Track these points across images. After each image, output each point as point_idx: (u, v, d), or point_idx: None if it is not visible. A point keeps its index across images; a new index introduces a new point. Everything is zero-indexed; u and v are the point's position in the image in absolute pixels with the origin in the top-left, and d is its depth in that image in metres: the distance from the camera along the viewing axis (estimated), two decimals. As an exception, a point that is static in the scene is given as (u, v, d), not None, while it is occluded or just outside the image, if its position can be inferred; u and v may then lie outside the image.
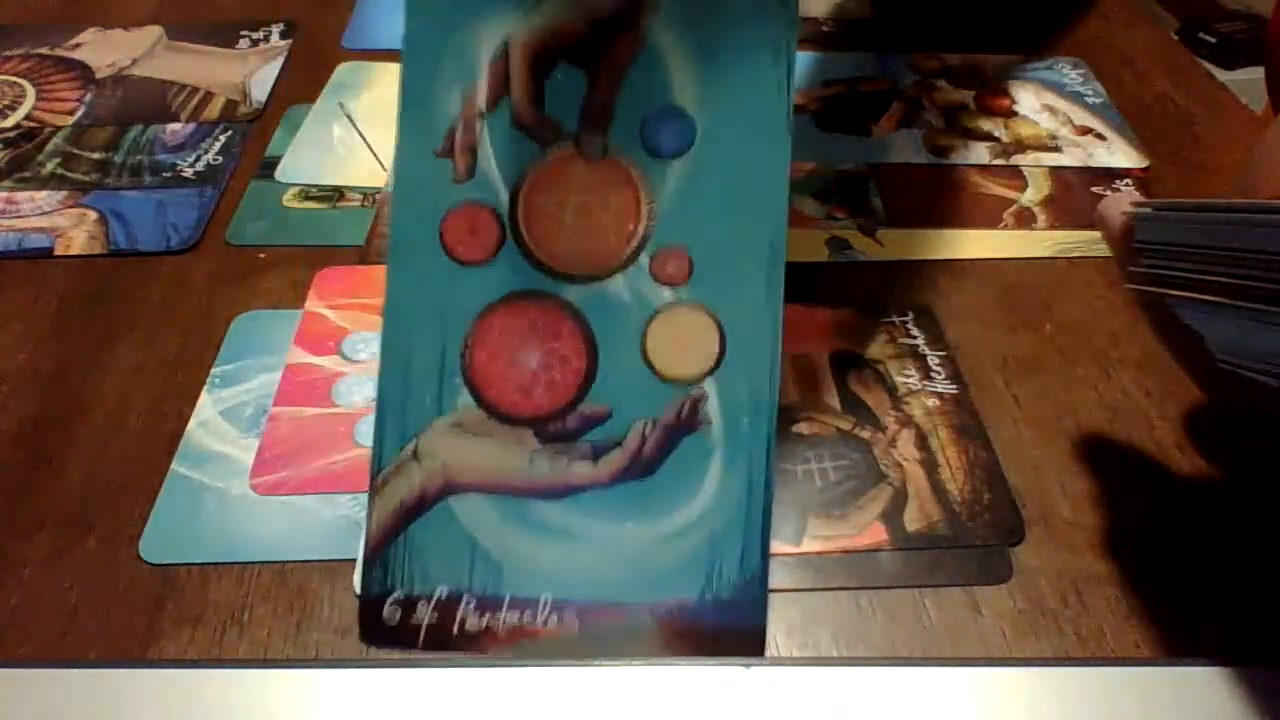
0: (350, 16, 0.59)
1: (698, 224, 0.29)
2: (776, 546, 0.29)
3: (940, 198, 0.46)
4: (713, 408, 0.29)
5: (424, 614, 0.28)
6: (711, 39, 0.29)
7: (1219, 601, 0.30)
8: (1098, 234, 0.29)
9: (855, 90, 0.53)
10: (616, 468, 0.29)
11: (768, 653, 0.29)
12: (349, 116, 0.50)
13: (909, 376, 0.37)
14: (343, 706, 0.27)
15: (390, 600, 0.28)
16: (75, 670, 0.28)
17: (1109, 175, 0.48)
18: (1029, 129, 0.51)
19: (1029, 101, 0.53)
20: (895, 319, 0.39)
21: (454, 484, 0.29)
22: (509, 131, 0.29)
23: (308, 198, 0.45)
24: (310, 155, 0.48)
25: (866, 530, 0.32)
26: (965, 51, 0.56)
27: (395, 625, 0.28)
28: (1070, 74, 0.55)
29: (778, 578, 0.29)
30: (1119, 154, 0.49)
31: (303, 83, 0.53)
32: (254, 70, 0.54)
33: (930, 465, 0.34)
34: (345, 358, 0.37)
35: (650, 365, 0.29)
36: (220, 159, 0.48)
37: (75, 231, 0.43)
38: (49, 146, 0.48)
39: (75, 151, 0.48)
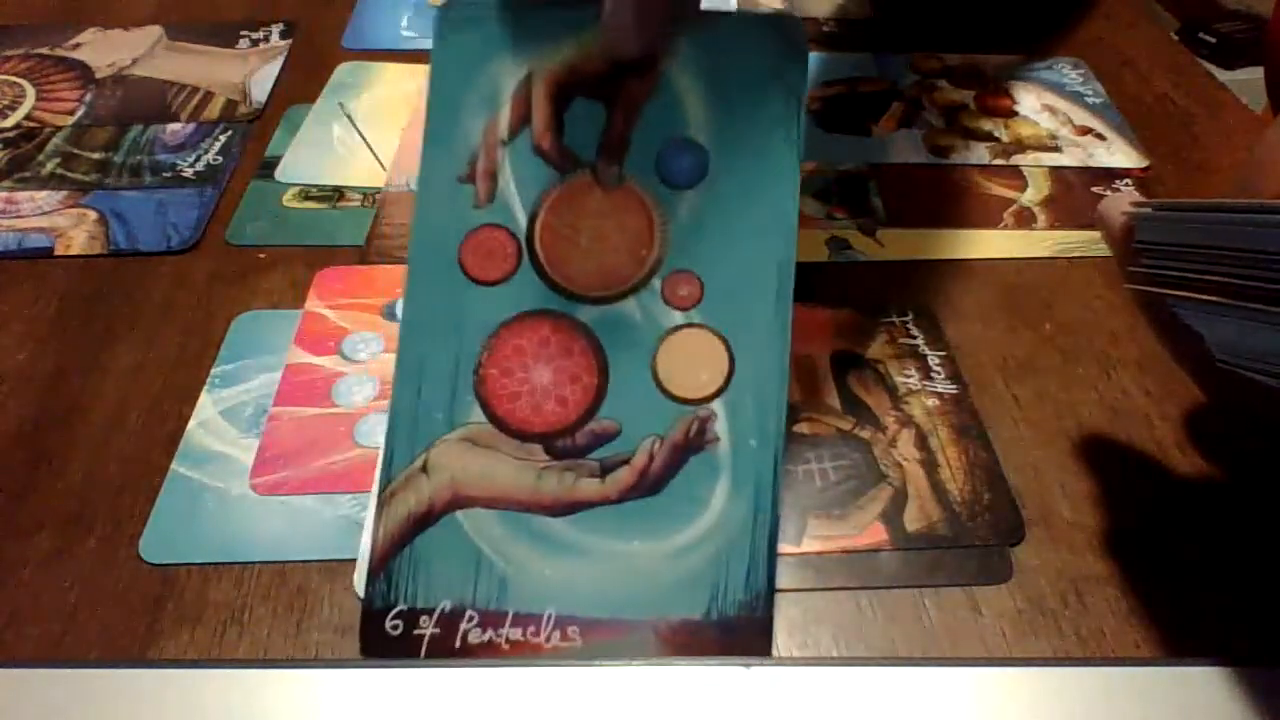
0: (350, 16, 0.59)
1: (709, 251, 0.30)
2: (777, 547, 0.29)
3: (940, 198, 0.46)
4: (721, 427, 0.29)
5: (426, 628, 0.28)
6: (726, 78, 0.30)
7: (1219, 601, 0.30)
8: (1098, 234, 0.30)
9: (855, 90, 0.53)
10: (624, 485, 0.29)
11: (768, 653, 0.29)
12: (349, 116, 0.50)
13: (909, 376, 0.37)
14: (343, 706, 0.27)
15: (393, 613, 0.28)
16: (75, 670, 0.28)
17: (1109, 175, 0.48)
18: (1029, 129, 0.51)
19: (1029, 101, 0.53)
20: (895, 319, 0.39)
21: (462, 498, 0.29)
22: (529, 159, 0.30)
23: (308, 198, 0.45)
24: (310, 155, 0.48)
25: (866, 530, 0.32)
26: (965, 51, 0.56)
27: (397, 638, 0.28)
28: (1070, 74, 0.55)
29: (778, 578, 0.29)
30: (1119, 154, 0.49)
31: (303, 83, 0.53)
32: (254, 70, 0.54)
33: (930, 465, 0.34)
34: (345, 358, 0.37)
35: (660, 385, 0.29)
36: (220, 159, 0.48)
37: (75, 231, 0.43)
38: (49, 146, 0.48)
39: (75, 151, 0.48)
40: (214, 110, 0.51)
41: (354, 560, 0.30)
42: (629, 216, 0.30)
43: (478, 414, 0.29)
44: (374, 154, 0.48)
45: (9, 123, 0.50)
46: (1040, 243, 0.44)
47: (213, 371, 0.37)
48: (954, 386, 0.37)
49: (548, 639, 0.28)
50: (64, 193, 0.45)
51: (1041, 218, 0.45)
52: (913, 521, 0.32)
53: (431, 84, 0.30)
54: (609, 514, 0.29)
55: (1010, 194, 0.47)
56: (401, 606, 0.28)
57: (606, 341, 0.30)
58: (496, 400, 0.29)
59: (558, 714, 0.27)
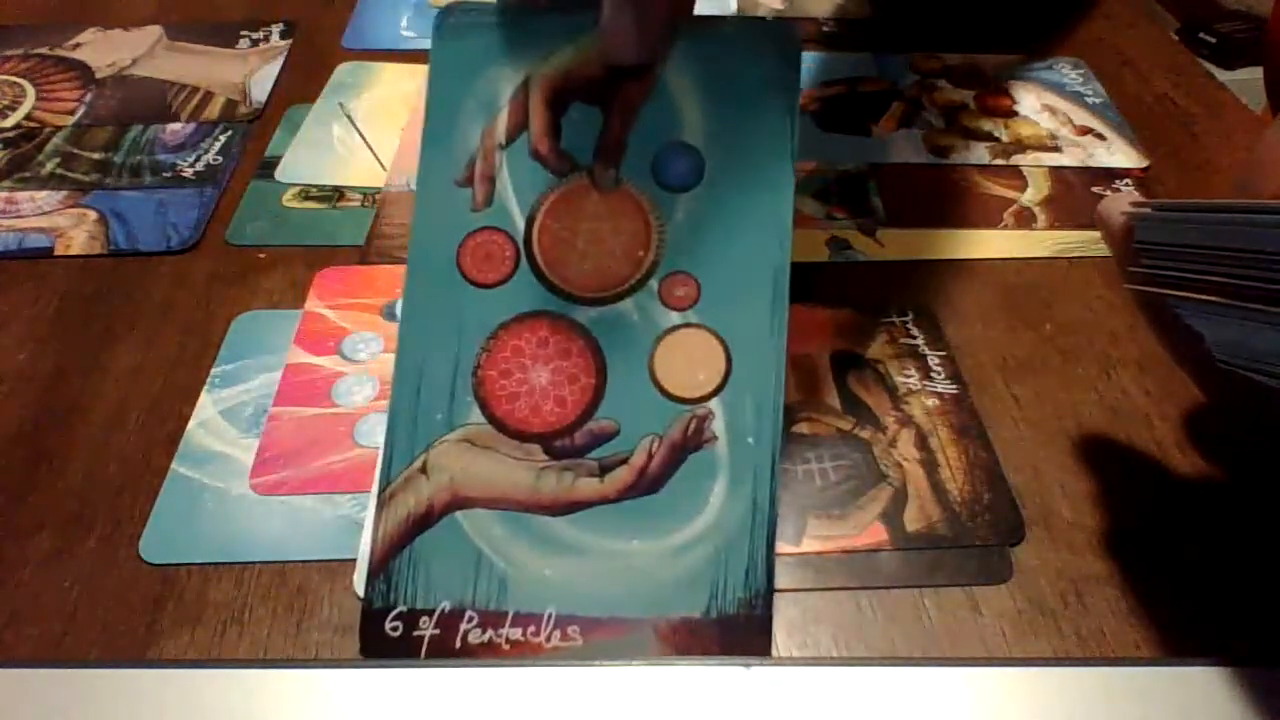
0: (350, 16, 0.59)
1: (706, 252, 0.30)
2: (777, 546, 0.29)
3: (940, 198, 0.46)
4: (719, 426, 0.29)
5: (426, 629, 0.28)
6: (721, 82, 0.30)
7: (1219, 601, 0.30)
8: (1098, 234, 0.30)
9: (855, 90, 0.53)
10: (623, 484, 0.29)
11: (768, 653, 0.29)
12: (349, 116, 0.50)
13: (909, 376, 0.37)
14: (343, 706, 0.27)
15: (393, 614, 0.28)
16: (75, 670, 0.28)
17: (1109, 175, 0.48)
18: (1029, 129, 0.51)
19: (1029, 101, 0.53)
20: (895, 319, 0.39)
21: (461, 498, 0.29)
22: (526, 163, 0.30)
23: (308, 198, 0.45)
24: (310, 155, 0.48)
25: (866, 530, 0.32)
26: (965, 51, 0.56)
27: (397, 639, 0.28)
28: (1070, 74, 0.55)
29: (778, 578, 0.29)
30: (1119, 154, 0.49)
31: (303, 83, 0.53)
32: (254, 70, 0.54)
33: (930, 465, 0.34)
34: (345, 358, 0.37)
35: (658, 384, 0.30)
36: (220, 159, 0.48)
37: (75, 231, 0.43)
38: (49, 146, 0.48)
39: (75, 151, 0.48)
40: (214, 110, 0.51)
41: (354, 560, 0.30)
42: (626, 219, 0.30)
43: (477, 415, 0.29)
44: (374, 154, 0.48)
45: (9, 123, 0.50)
46: (1040, 243, 0.44)
47: (213, 371, 0.37)
48: (954, 386, 0.37)
49: (548, 639, 0.28)
50: (64, 193, 0.45)
51: (1041, 218, 0.45)
52: (913, 521, 0.32)
53: (430, 89, 0.30)
54: (608, 513, 0.29)
55: (1010, 194, 0.47)
56: (401, 607, 0.28)
57: (604, 342, 0.30)
58: (495, 401, 0.29)
59: (558, 714, 0.27)
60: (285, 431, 0.34)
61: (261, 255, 0.42)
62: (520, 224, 0.30)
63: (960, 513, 0.32)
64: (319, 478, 0.33)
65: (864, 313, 0.40)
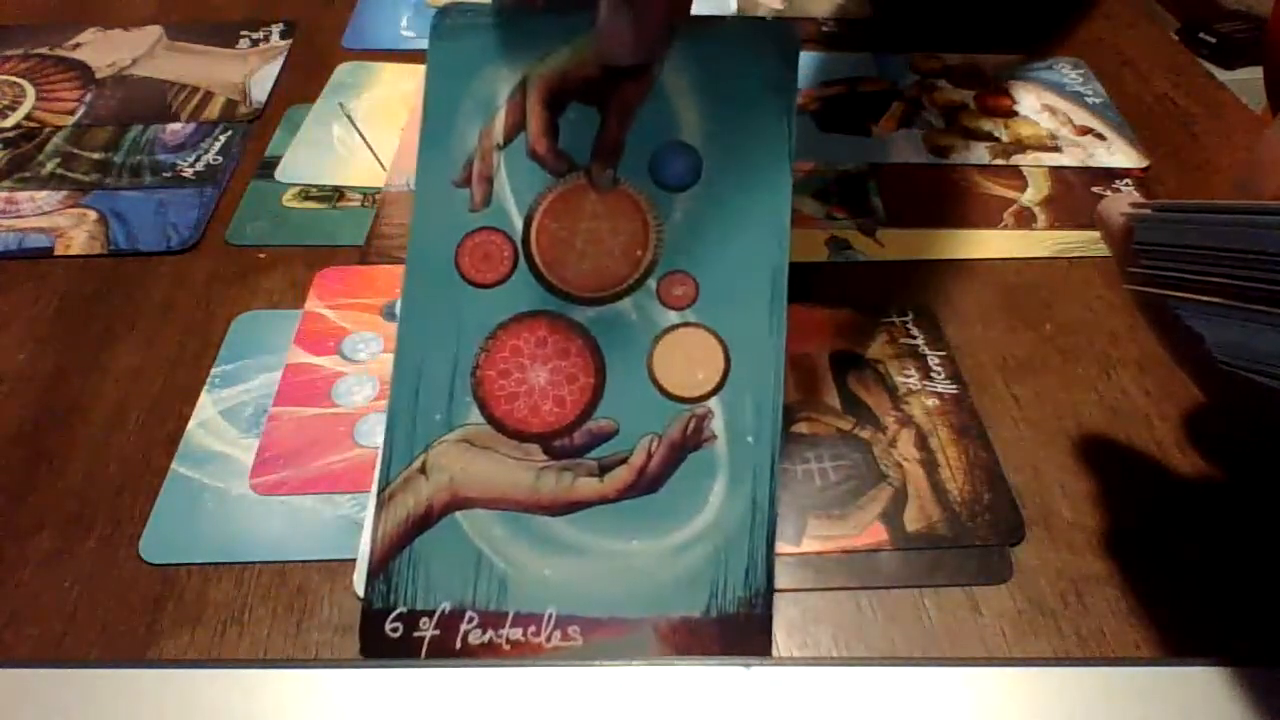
0: (350, 16, 0.59)
1: (704, 251, 0.30)
2: (776, 547, 0.29)
3: (940, 198, 0.46)
4: (718, 425, 0.29)
5: (426, 629, 0.28)
6: (718, 82, 0.30)
7: (1219, 601, 0.30)
8: (1098, 234, 0.30)
9: (855, 90, 0.53)
10: (622, 484, 0.29)
11: (768, 653, 0.29)
12: (349, 116, 0.50)
13: (909, 376, 0.37)
14: (343, 706, 0.27)
15: (393, 615, 0.28)
16: (75, 670, 0.28)
17: (1109, 175, 0.48)
18: (1029, 129, 0.51)
19: (1029, 101, 0.53)
20: (895, 319, 0.39)
21: (461, 499, 0.29)
22: (524, 163, 0.30)
23: (308, 198, 0.45)
24: (310, 155, 0.48)
25: (866, 530, 0.32)
26: (965, 51, 0.56)
27: (397, 640, 0.28)
28: (1070, 74, 0.55)
29: (778, 578, 0.29)
30: (1119, 154, 0.49)
31: (303, 83, 0.53)
32: (254, 70, 0.54)
33: (930, 465, 0.34)
34: (345, 358, 0.37)
35: (657, 384, 0.30)
36: (220, 159, 0.48)
37: (75, 231, 0.43)
38: (49, 146, 0.48)
39: (75, 151, 0.48)
40: (214, 110, 0.51)
41: (354, 560, 0.30)
42: (624, 219, 0.30)
43: (476, 415, 0.29)
44: (374, 154, 0.48)
45: (9, 123, 0.50)
46: (1040, 243, 0.44)
47: (213, 371, 0.37)
48: (954, 386, 0.37)
49: (548, 639, 0.28)
50: (64, 193, 0.45)
51: (1041, 218, 0.45)
52: (913, 521, 0.32)
53: (427, 89, 0.30)
54: (608, 513, 0.29)
55: (1010, 194, 0.47)
56: (401, 608, 0.28)
57: (603, 342, 0.30)
58: (494, 401, 0.29)
59: (557, 714, 0.27)
60: (285, 431, 0.34)
61: (261, 255, 0.42)
62: (518, 224, 0.30)
63: (960, 513, 0.32)
64: (319, 478, 0.33)
65: (864, 313, 0.40)
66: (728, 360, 0.30)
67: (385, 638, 0.28)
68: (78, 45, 0.56)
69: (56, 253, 0.42)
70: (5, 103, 0.51)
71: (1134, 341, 0.39)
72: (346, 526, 0.32)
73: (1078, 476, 0.34)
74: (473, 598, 0.28)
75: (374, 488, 0.31)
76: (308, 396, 0.36)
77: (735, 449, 0.29)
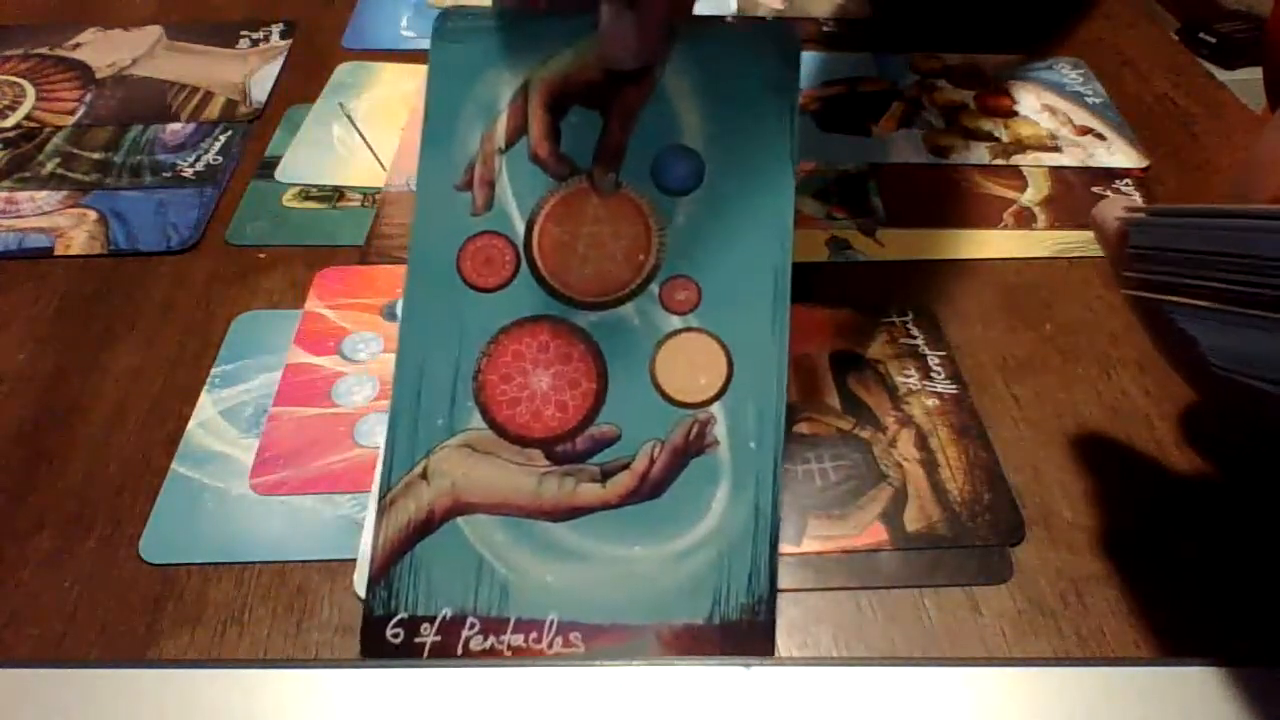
0: (350, 16, 0.59)
1: (706, 256, 0.30)
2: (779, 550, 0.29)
3: (940, 198, 0.46)
4: (720, 431, 0.29)
5: (428, 636, 0.28)
6: (720, 85, 0.30)
7: (1219, 601, 0.30)
8: (1097, 235, 0.30)
9: (855, 90, 0.53)
10: (624, 490, 0.29)
11: (768, 653, 0.29)
12: (349, 116, 0.50)
13: (909, 376, 0.37)
14: (343, 706, 0.27)
15: (394, 621, 0.28)
16: (75, 670, 0.28)
17: (1109, 175, 0.48)
18: (1029, 129, 0.51)
19: (1029, 101, 0.53)
20: (895, 319, 0.39)
21: (462, 504, 0.29)
22: (526, 167, 0.30)
23: (308, 198, 0.45)
24: (310, 155, 0.48)
25: (866, 530, 0.32)
26: (965, 51, 0.56)
27: (398, 646, 0.28)
28: (1070, 74, 0.55)
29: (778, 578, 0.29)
30: (1119, 154, 0.49)
31: (303, 83, 0.53)
32: (254, 70, 0.54)
33: (930, 465, 0.34)
34: (345, 358, 0.37)
35: (659, 389, 0.30)
36: (220, 159, 0.48)
37: (75, 231, 0.43)
38: (49, 146, 0.48)
39: (75, 151, 0.48)
40: (214, 110, 0.51)
41: (354, 560, 0.30)
42: (626, 223, 0.30)
43: (477, 420, 0.29)
44: (374, 154, 0.48)
45: (9, 123, 0.50)
46: (1040, 243, 0.44)
47: (213, 371, 0.37)
48: (954, 386, 0.37)
49: (550, 645, 0.28)
50: (64, 193, 0.45)
51: (1041, 218, 0.45)
52: (913, 521, 0.32)
53: (429, 93, 0.30)
54: (610, 519, 0.29)
55: (1010, 194, 0.47)
56: (402, 614, 0.28)
57: (605, 347, 0.30)
58: (496, 406, 0.29)
59: (557, 713, 0.27)
60: (285, 431, 0.34)
61: (261, 255, 0.42)
62: (520, 228, 0.30)
63: (960, 513, 0.32)
64: (319, 478, 0.33)
65: (864, 313, 0.40)
66: (730, 365, 0.30)
67: (386, 643, 0.28)
68: (78, 45, 0.56)
69: (56, 253, 0.42)
70: (5, 103, 0.51)
71: (1134, 341, 0.38)
72: (346, 526, 0.32)
73: (1078, 476, 0.34)
74: (474, 604, 0.28)
75: (375, 492, 0.31)
76: (308, 396, 0.36)
77: (738, 454, 0.29)
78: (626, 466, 0.29)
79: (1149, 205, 0.27)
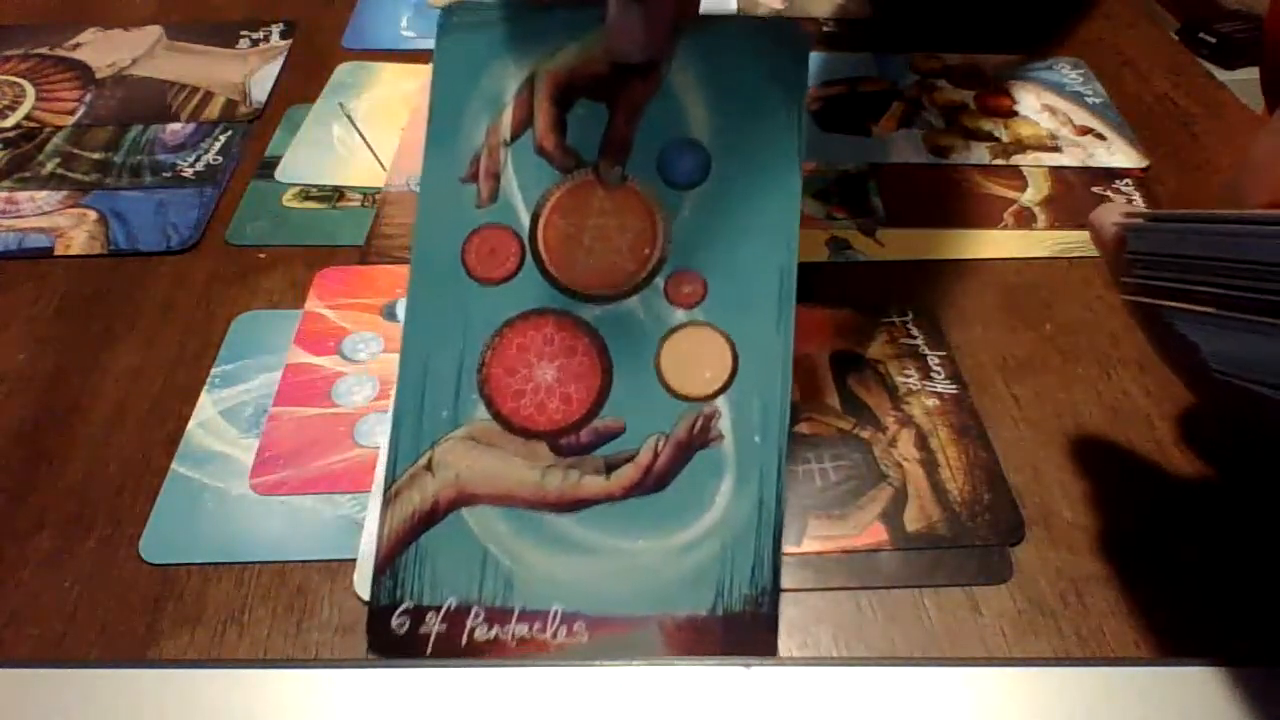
0: (350, 16, 0.59)
1: (712, 250, 0.30)
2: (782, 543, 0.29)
3: (940, 198, 0.46)
4: (725, 424, 0.29)
5: (433, 625, 0.28)
6: (728, 80, 0.30)
7: (1219, 601, 0.30)
8: (1097, 236, 0.29)
9: (855, 90, 0.53)
10: (629, 482, 0.29)
11: (768, 653, 0.29)
12: (349, 116, 0.50)
13: (909, 376, 0.37)
14: (343, 706, 0.27)
15: (399, 611, 0.28)
16: (75, 670, 0.28)
17: (1109, 175, 0.48)
18: (1029, 129, 0.51)
19: (1029, 101, 0.53)
20: (895, 319, 0.39)
21: (467, 495, 0.29)
22: (531, 160, 0.30)
23: (308, 198, 0.45)
24: (310, 155, 0.48)
25: (866, 530, 0.32)
26: (965, 51, 0.56)
27: (403, 635, 0.28)
28: (1070, 74, 0.55)
29: (778, 578, 0.29)
30: (1119, 154, 0.49)
31: (303, 83, 0.53)
32: (254, 70, 0.54)
33: (930, 465, 0.34)
34: (345, 358, 0.37)
35: (664, 382, 0.30)
36: (220, 159, 0.48)
37: (75, 231, 0.43)
38: (49, 146, 0.48)
39: (75, 151, 0.48)
40: (214, 110, 0.51)
41: (354, 560, 0.30)
42: (631, 216, 0.30)
43: (482, 412, 0.29)
44: (374, 154, 0.48)
45: (9, 123, 0.50)
46: (1040, 243, 0.44)
47: (213, 371, 0.37)
48: (954, 386, 0.37)
49: (554, 635, 0.28)
50: (64, 193, 0.45)
51: (1041, 218, 0.45)
52: (913, 521, 0.32)
53: (434, 85, 0.30)
54: (614, 511, 0.29)
55: (1010, 194, 0.47)
56: (408, 604, 0.28)
57: (610, 339, 0.30)
58: (501, 398, 0.29)
59: (557, 713, 0.27)
60: (285, 431, 0.34)
61: (261, 255, 0.42)
62: (525, 220, 0.30)
63: (960, 513, 0.32)
64: (319, 478, 0.33)
65: (864, 313, 0.40)
66: (735, 359, 0.30)
67: (391, 633, 0.28)
68: (78, 45, 0.56)
69: (56, 253, 0.42)
70: (5, 103, 0.51)
71: (1134, 341, 0.38)
72: (346, 526, 0.32)
73: (1078, 476, 0.34)
74: (479, 594, 0.28)
75: (380, 484, 0.31)
76: (308, 396, 0.36)
77: (742, 448, 0.29)
78: (631, 459, 0.29)
79: (1146, 210, 0.27)
